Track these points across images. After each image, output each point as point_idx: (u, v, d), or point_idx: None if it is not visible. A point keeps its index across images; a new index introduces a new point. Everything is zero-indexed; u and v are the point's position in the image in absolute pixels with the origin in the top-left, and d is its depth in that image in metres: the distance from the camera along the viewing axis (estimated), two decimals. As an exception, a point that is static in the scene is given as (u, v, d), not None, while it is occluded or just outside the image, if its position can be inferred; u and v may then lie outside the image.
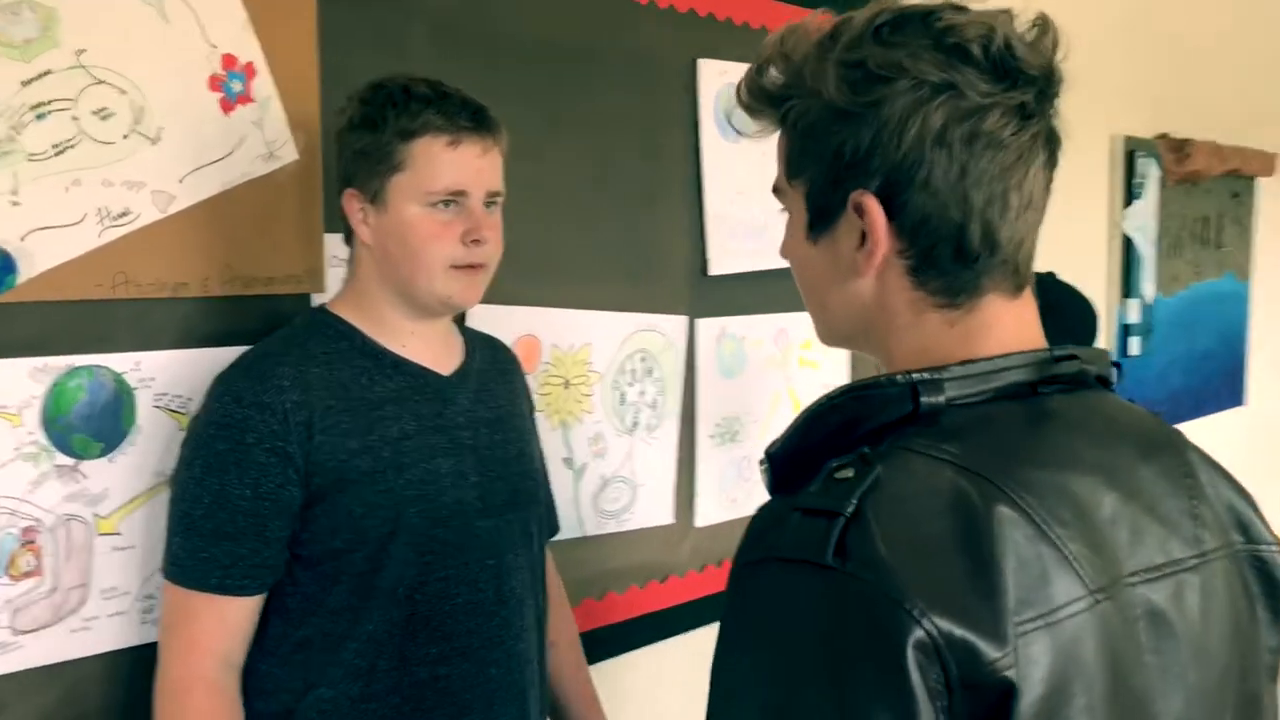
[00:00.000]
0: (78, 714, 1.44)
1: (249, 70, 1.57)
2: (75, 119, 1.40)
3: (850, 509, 0.73)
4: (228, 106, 1.55)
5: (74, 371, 1.42)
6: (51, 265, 1.39)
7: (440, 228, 1.40)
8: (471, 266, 1.43)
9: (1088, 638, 0.74)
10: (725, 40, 2.25)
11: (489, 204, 1.46)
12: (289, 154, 1.62)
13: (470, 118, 1.41)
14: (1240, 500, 0.92)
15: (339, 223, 1.64)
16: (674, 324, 2.20)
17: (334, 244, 1.67)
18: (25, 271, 1.37)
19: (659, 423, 2.19)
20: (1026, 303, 0.88)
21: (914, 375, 0.82)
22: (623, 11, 2.07)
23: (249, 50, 1.57)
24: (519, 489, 1.55)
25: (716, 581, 2.32)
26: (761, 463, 0.85)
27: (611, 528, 2.12)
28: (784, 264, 0.94)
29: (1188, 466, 0.89)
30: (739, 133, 2.27)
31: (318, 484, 1.36)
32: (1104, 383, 0.91)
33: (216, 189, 1.54)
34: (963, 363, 0.83)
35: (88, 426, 1.43)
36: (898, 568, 0.70)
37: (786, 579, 0.74)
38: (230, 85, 1.55)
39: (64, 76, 1.39)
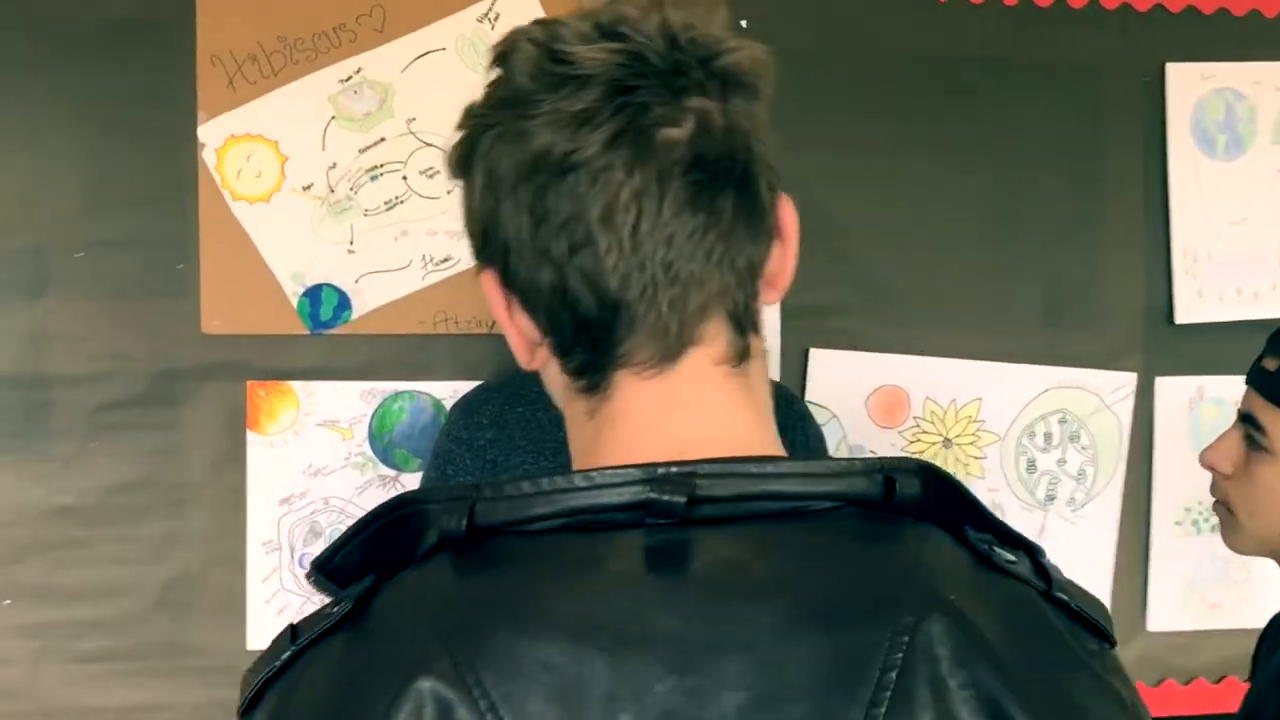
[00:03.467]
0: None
1: (569, 123, 1.67)
2: (405, 178, 1.63)
3: (281, 660, 0.60)
4: (546, 159, 1.67)
5: (397, 395, 1.64)
6: (381, 304, 1.63)
7: None
8: None
9: None
10: (1200, 38, 1.82)
11: None
12: (609, 200, 1.69)
13: None
14: (1005, 692, 0.56)
15: None
16: (1114, 381, 1.83)
17: (656, 286, 1.70)
18: (358, 309, 1.63)
19: (1088, 499, 1.84)
20: (688, 379, 0.65)
21: (481, 490, 0.63)
22: (1047, 19, 1.79)
23: (570, 105, 1.67)
24: None
25: (1178, 702, 1.87)
26: (308, 575, 0.66)
27: (1011, 614, 1.83)
28: None
29: (894, 654, 0.56)
30: (1232, 150, 1.83)
31: None
32: (867, 503, 0.62)
33: (533, 235, 1.67)
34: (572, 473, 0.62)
35: (408, 444, 1.65)
36: None
37: None
38: (550, 139, 1.67)
39: (396, 142, 1.62)
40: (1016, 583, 0.63)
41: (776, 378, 1.74)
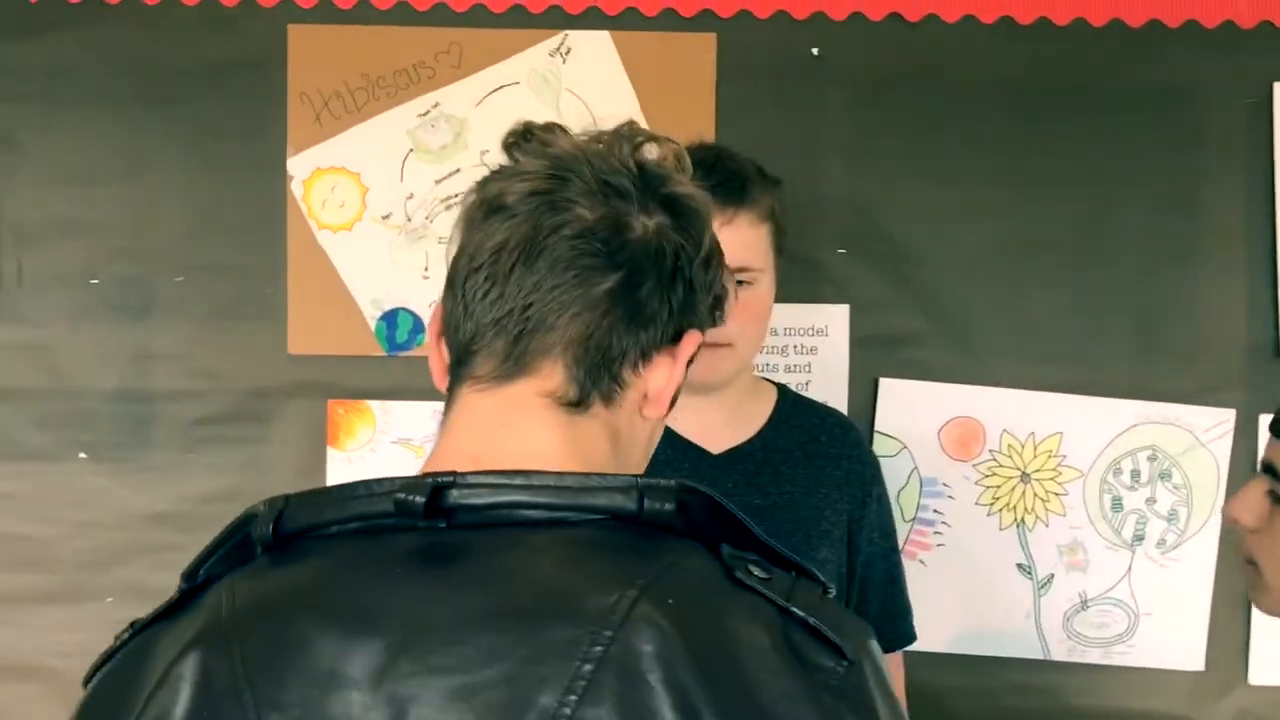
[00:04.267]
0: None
1: (637, 153, 1.71)
2: (477, 208, 1.69)
3: (119, 641, 0.71)
4: (615, 188, 1.71)
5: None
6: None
7: None
8: (711, 345, 1.37)
9: None
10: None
11: (736, 281, 1.37)
12: (676, 228, 1.71)
13: (708, 191, 1.34)
14: (700, 691, 0.62)
15: None
16: (1211, 417, 1.74)
17: (722, 313, 1.71)
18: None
19: (1180, 541, 1.75)
20: (510, 400, 0.75)
21: (290, 499, 0.72)
22: (1140, 40, 1.72)
23: (638, 135, 1.70)
24: None
25: (1282, 763, 1.75)
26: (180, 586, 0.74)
27: (1094, 657, 1.75)
28: None
29: (594, 648, 0.63)
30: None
31: None
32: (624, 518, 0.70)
33: (601, 262, 1.70)
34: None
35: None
36: None
37: None
38: (618, 168, 1.70)
39: (470, 174, 1.68)
40: (758, 598, 0.67)
41: (844, 407, 1.73)
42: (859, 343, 1.73)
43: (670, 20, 1.70)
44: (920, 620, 1.75)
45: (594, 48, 1.69)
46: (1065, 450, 1.74)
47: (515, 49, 1.69)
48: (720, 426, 1.45)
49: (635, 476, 0.72)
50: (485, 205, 0.77)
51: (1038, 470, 1.74)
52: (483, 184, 0.80)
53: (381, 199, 1.69)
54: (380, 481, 0.70)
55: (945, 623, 1.74)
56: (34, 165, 1.69)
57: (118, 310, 1.70)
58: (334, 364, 1.71)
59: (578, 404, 0.76)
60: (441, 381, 0.81)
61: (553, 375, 0.76)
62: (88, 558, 1.70)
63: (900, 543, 1.72)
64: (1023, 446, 1.74)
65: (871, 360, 1.73)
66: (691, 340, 0.81)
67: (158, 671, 0.65)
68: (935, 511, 1.74)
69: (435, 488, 0.68)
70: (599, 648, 0.62)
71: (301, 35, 1.68)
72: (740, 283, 1.38)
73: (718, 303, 0.85)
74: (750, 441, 1.46)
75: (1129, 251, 1.74)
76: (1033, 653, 1.75)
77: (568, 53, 1.69)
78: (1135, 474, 1.74)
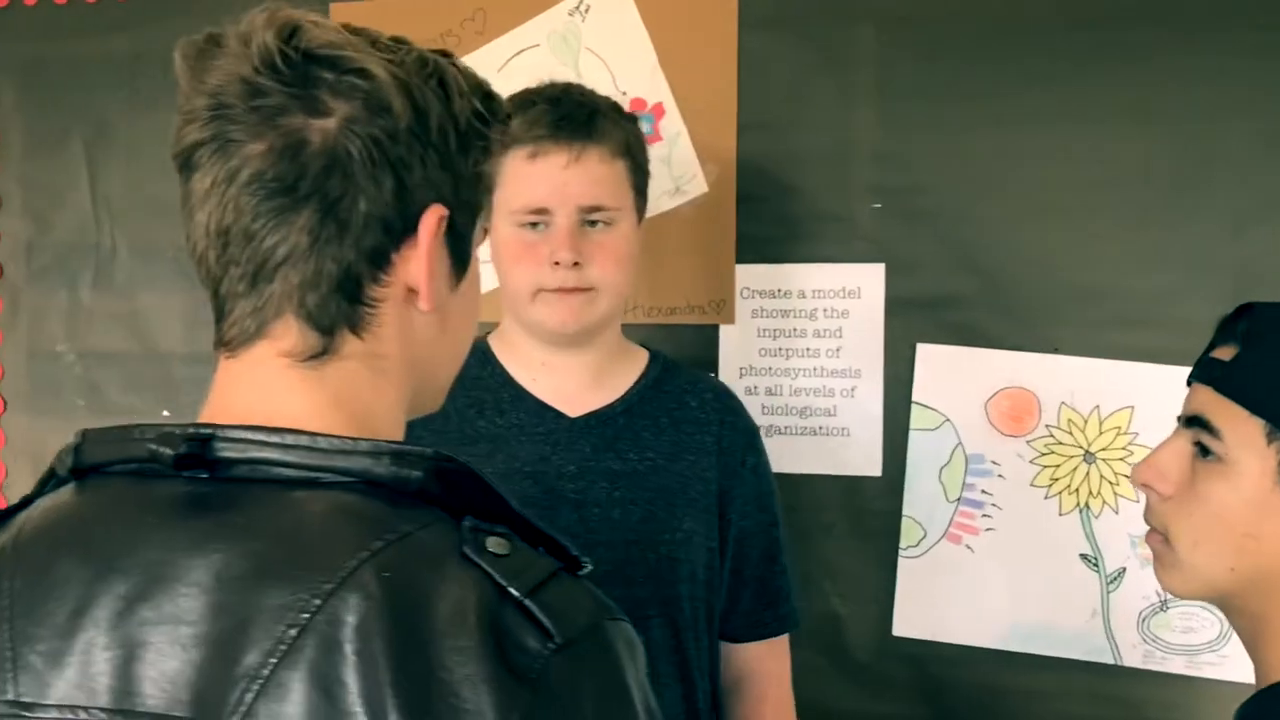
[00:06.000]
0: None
1: (657, 110, 1.65)
2: (501, 173, 1.69)
3: None
4: (635, 147, 1.65)
5: (495, 381, 1.71)
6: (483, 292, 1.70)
7: (524, 249, 1.29)
8: (566, 290, 1.29)
9: None
10: None
11: (590, 222, 1.29)
12: (697, 187, 1.64)
13: (551, 125, 1.27)
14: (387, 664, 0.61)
15: (752, 252, 1.62)
16: (1326, 392, 1.45)
17: (746, 275, 1.63)
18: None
19: (1286, 536, 1.48)
20: (253, 365, 0.74)
21: (87, 435, 0.75)
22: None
23: (658, 91, 1.64)
24: (632, 560, 1.31)
25: None
26: None
27: (1177, 666, 1.52)
28: None
29: (302, 614, 0.63)
30: None
31: None
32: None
33: (622, 224, 1.66)
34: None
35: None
36: None
37: None
38: (638, 127, 1.65)
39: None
40: (480, 575, 0.66)
41: (879, 376, 1.59)
42: (895, 305, 1.58)
43: (690, -31, 1.62)
44: (966, 611, 1.60)
45: (613, 4, 1.65)
46: (1138, 427, 1.52)
47: (536, 10, 1.67)
48: (581, 389, 1.37)
49: (389, 442, 0.71)
50: (181, 163, 0.75)
51: (1104, 449, 1.53)
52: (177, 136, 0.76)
53: (413, 167, 1.72)
54: (153, 427, 0.71)
55: (995, 616, 1.57)
56: (125, 148, 1.86)
57: (196, 280, 1.83)
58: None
59: (323, 353, 0.75)
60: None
61: (286, 334, 0.74)
62: (171, 508, 1.86)
63: (944, 525, 1.58)
64: (1085, 422, 1.53)
65: (909, 324, 1.58)
66: (433, 214, 0.75)
67: None
68: (984, 492, 1.57)
69: (198, 439, 0.69)
70: (306, 615, 0.63)
71: (342, 13, 1.74)
72: (594, 223, 1.30)
73: (461, 161, 0.77)
74: (612, 405, 1.37)
75: (1224, 198, 1.49)
76: (1099, 656, 1.54)
77: (587, 11, 1.66)
78: (1226, 456, 1.49)
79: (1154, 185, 1.50)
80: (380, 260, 0.74)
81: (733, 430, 1.40)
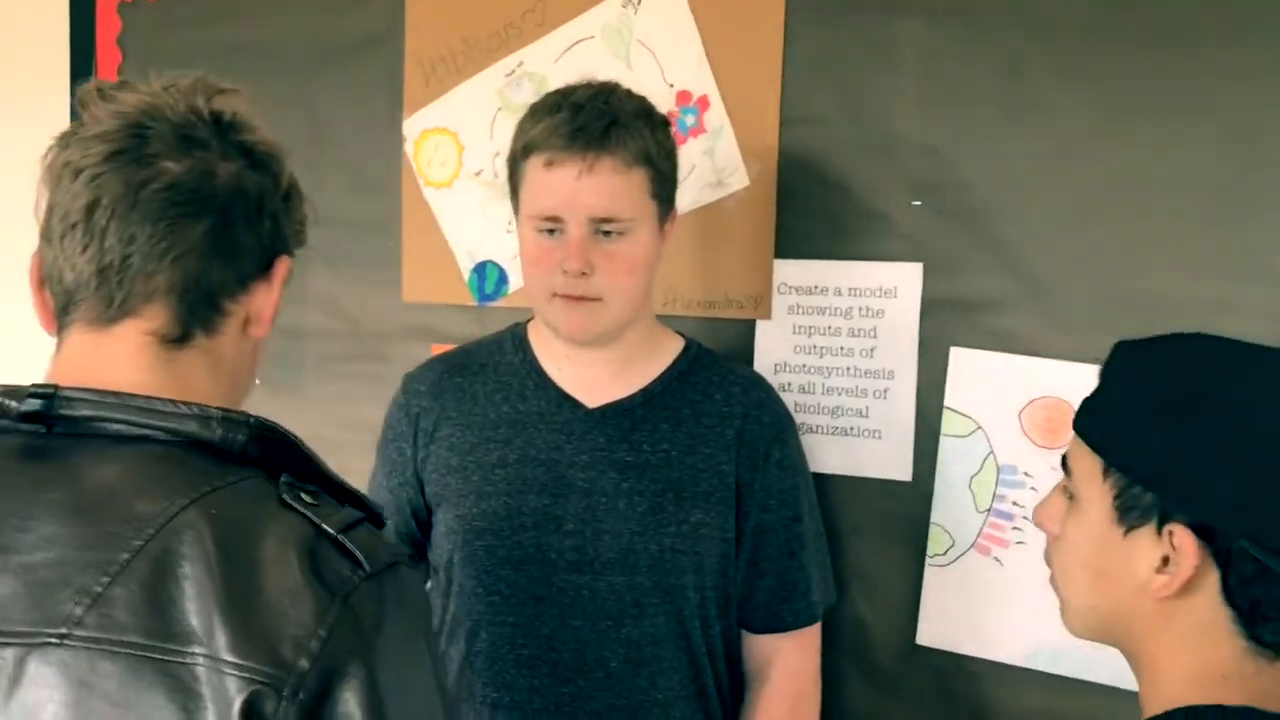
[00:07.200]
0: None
1: (702, 103, 1.65)
2: (555, 163, 1.73)
3: None
4: (680, 140, 1.65)
5: (544, 366, 1.76)
6: (518, 284, 1.76)
7: (542, 253, 1.33)
8: (574, 297, 1.31)
9: None
10: None
11: (603, 232, 1.30)
12: (738, 181, 1.63)
13: (567, 135, 1.28)
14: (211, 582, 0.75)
15: (791, 248, 1.62)
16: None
17: (783, 271, 1.62)
18: (514, 284, 1.77)
19: (1342, 573, 1.36)
20: (116, 338, 0.86)
21: None
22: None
23: (703, 84, 1.64)
24: (635, 549, 1.32)
25: None
26: None
27: (1215, 703, 1.42)
28: None
29: (136, 541, 0.76)
30: None
31: (430, 493, 1.43)
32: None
33: (665, 217, 1.67)
34: None
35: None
36: None
37: None
38: (684, 120, 1.66)
39: (549, 130, 1.73)
40: (298, 516, 0.80)
41: (912, 378, 1.55)
42: (931, 306, 1.54)
43: (739, -38, 1.61)
44: (994, 626, 1.56)
45: (664, -3, 1.66)
46: (1181, 445, 1.42)
47: (592, 3, 1.70)
48: (603, 380, 1.40)
49: (219, 409, 0.84)
50: (70, 167, 0.87)
51: (1144, 467, 1.44)
52: (64, 144, 0.89)
53: (475, 156, 1.79)
54: (3, 388, 0.84)
55: (1023, 633, 1.51)
56: (228, 134, 1.99)
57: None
58: (437, 312, 1.84)
59: (181, 339, 0.89)
60: (50, 327, 0.92)
61: (157, 316, 0.88)
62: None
63: (973, 535, 1.54)
64: (1126, 437, 1.45)
65: (945, 327, 1.54)
66: (283, 265, 0.94)
67: None
68: (1015, 504, 1.51)
69: (39, 397, 0.82)
70: (139, 542, 0.76)
71: (417, 6, 1.81)
72: (608, 233, 1.31)
73: (301, 227, 0.98)
74: (631, 397, 1.39)
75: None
76: (1127, 683, 1.46)
77: (639, 3, 1.67)
78: (1277, 482, 1.38)
79: (1207, 188, 1.40)
80: (244, 284, 0.91)
81: (757, 424, 1.40)
